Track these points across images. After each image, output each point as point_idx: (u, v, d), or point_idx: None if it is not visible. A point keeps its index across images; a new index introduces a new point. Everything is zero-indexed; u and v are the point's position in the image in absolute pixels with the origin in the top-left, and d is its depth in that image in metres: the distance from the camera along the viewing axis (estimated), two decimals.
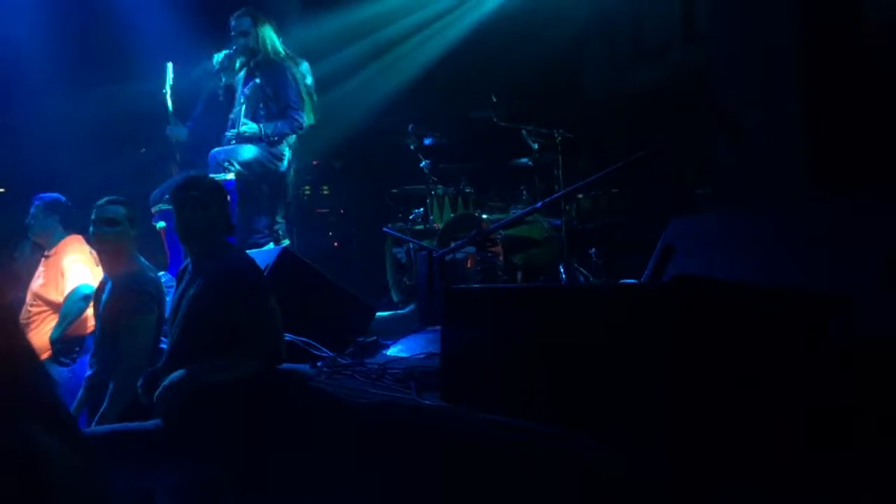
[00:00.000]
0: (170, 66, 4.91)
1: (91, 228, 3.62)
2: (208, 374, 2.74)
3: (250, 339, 2.79)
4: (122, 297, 3.44)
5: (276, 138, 4.88)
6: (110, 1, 6.31)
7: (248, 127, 4.86)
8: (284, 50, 5.07)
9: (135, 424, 2.86)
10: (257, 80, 4.95)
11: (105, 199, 3.60)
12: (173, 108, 4.92)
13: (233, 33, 4.96)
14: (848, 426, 1.65)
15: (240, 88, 5.04)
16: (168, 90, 4.90)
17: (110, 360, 3.37)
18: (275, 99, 4.93)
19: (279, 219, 5.17)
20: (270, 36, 4.98)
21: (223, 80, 5.12)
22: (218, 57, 5.05)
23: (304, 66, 5.24)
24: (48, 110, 6.11)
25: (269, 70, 4.96)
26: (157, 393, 2.73)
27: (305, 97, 5.00)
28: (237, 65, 5.05)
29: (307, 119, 5.06)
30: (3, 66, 5.92)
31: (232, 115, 5.03)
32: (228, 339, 2.78)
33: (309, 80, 5.21)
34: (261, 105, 4.94)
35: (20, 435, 0.99)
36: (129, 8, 6.29)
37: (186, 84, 5.11)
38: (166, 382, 2.71)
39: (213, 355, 2.78)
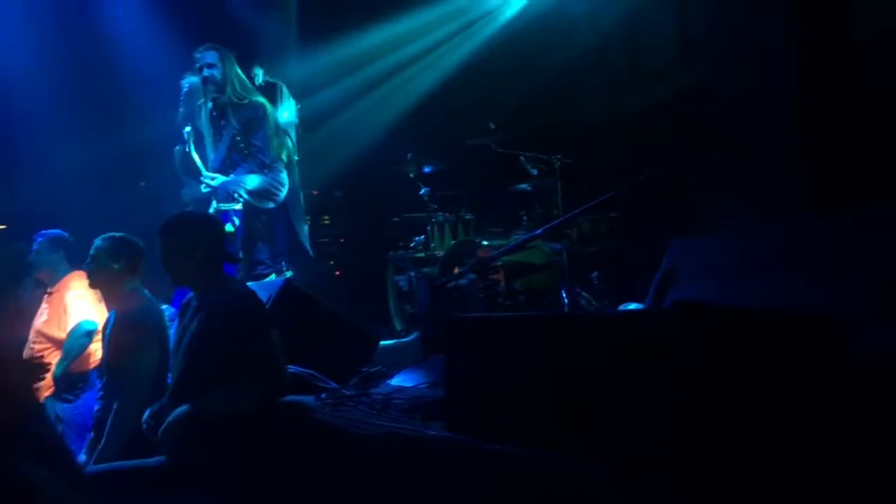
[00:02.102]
0: (188, 129, 4.88)
1: (83, 266, 3.68)
2: (212, 409, 2.73)
3: (253, 372, 2.79)
4: (122, 332, 3.45)
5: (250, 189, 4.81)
6: (110, 40, 6.40)
7: (216, 181, 4.79)
8: (250, 85, 5.01)
9: (139, 461, 2.84)
10: (224, 122, 4.92)
11: (101, 237, 3.63)
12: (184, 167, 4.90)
13: (197, 65, 4.86)
14: (850, 446, 1.64)
15: (206, 123, 4.99)
16: (192, 150, 4.87)
17: (115, 395, 3.37)
18: (243, 140, 4.87)
19: (280, 252, 5.18)
20: (236, 71, 4.91)
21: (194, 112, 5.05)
22: (185, 86, 5.03)
23: (286, 104, 5.28)
24: (48, 147, 6.15)
25: (237, 110, 4.89)
26: (161, 430, 2.72)
27: (272, 137, 4.90)
28: (201, 97, 4.96)
29: (280, 155, 5.03)
30: (4, 107, 5.98)
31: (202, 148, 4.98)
32: (231, 373, 2.78)
33: (287, 117, 5.21)
34: (232, 148, 4.91)
35: (12, 469, 0.99)
36: (131, 47, 6.36)
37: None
38: (171, 419, 2.70)
39: (217, 390, 2.77)
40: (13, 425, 1.03)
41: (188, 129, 4.83)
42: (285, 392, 2.90)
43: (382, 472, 2.34)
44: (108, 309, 3.66)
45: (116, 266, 3.55)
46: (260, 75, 5.44)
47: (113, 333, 3.50)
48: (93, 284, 3.69)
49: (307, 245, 5.48)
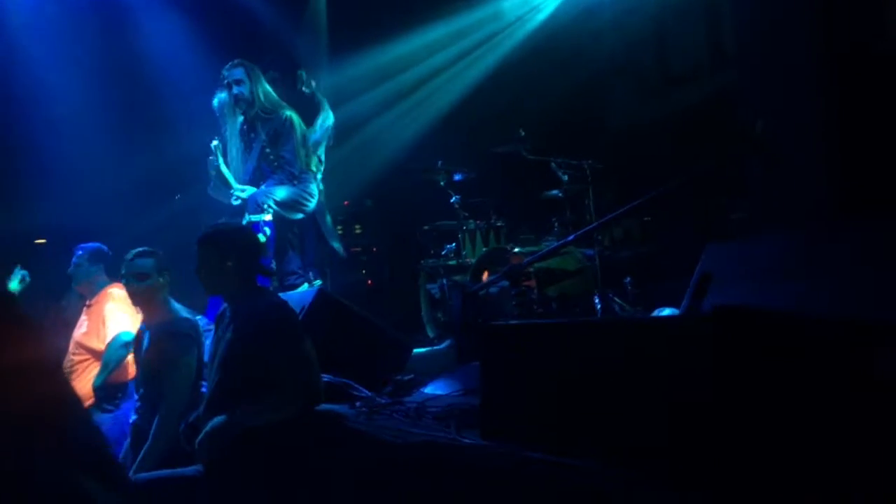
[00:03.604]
0: (216, 143, 4.97)
1: (123, 281, 3.75)
2: (248, 420, 2.75)
3: (287, 382, 2.80)
4: (162, 342, 3.52)
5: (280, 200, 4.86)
6: (148, 56, 6.53)
7: (246, 193, 4.86)
8: (278, 99, 5.06)
9: (177, 471, 2.87)
10: (253, 135, 4.99)
11: (133, 252, 3.71)
12: (216, 173, 4.97)
13: (225, 82, 4.96)
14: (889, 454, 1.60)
15: (237, 136, 5.06)
16: (220, 161, 4.95)
17: (154, 405, 3.42)
18: (272, 152, 4.93)
19: (309, 262, 5.21)
20: (263, 86, 4.98)
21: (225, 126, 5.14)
22: (216, 104, 5.12)
23: (325, 116, 5.35)
24: (86, 162, 6.28)
25: (266, 123, 4.96)
26: (198, 440, 2.74)
27: (300, 149, 4.95)
28: (233, 111, 5.03)
29: (310, 166, 5.06)
30: (44, 123, 6.12)
31: (231, 162, 5.04)
32: (266, 383, 2.80)
33: (318, 128, 5.27)
34: (262, 160, 4.98)
35: (64, 479, 1.01)
36: (168, 63, 6.49)
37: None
38: (207, 429, 2.72)
39: (252, 400, 2.79)
40: (63, 433, 1.05)
41: (216, 142, 4.92)
42: (320, 401, 2.91)
43: (418, 481, 2.34)
44: (148, 321, 3.73)
45: (161, 280, 3.65)
46: (303, 75, 5.51)
47: (153, 344, 3.56)
48: (140, 300, 3.76)
49: (337, 245, 5.49)
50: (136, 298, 3.76)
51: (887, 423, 1.64)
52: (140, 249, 3.75)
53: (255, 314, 2.93)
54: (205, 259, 3.02)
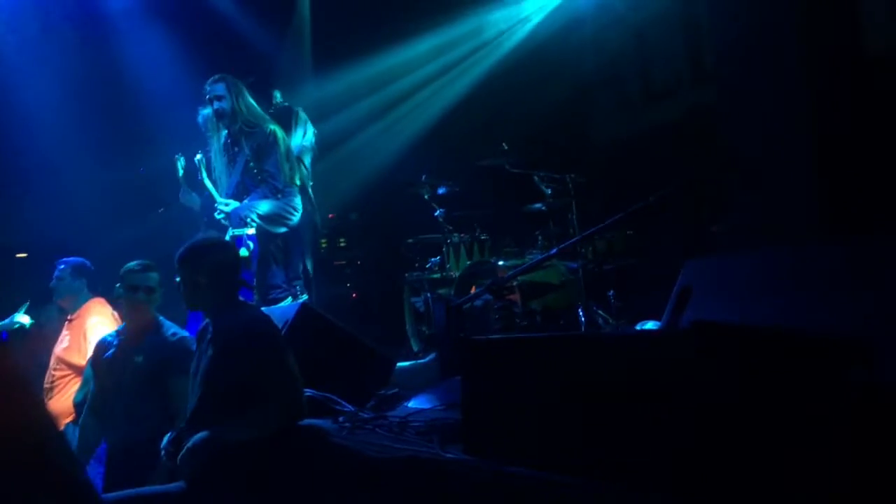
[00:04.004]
0: (179, 159, 4.98)
1: (124, 293, 3.71)
2: (230, 435, 2.74)
3: (270, 397, 2.79)
4: (169, 357, 3.58)
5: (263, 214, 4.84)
6: (129, 69, 6.52)
7: (230, 207, 4.84)
8: (262, 113, 5.06)
9: (158, 487, 2.85)
10: (237, 149, 4.98)
11: (136, 263, 3.70)
12: (185, 176, 4.98)
13: (207, 97, 4.95)
14: (869, 472, 1.62)
15: (220, 151, 5.06)
16: (181, 173, 4.96)
17: (145, 417, 3.42)
18: (256, 166, 4.92)
19: (296, 276, 5.20)
20: (246, 100, 4.97)
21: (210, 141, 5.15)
22: (200, 119, 5.13)
23: (303, 128, 5.36)
24: (67, 176, 6.25)
25: (249, 137, 4.95)
26: (179, 456, 2.73)
27: (283, 163, 4.93)
28: (216, 127, 5.03)
29: (294, 180, 5.04)
30: (23, 136, 6.09)
31: (216, 177, 5.04)
32: (248, 398, 2.79)
33: (305, 140, 5.27)
34: (246, 174, 4.97)
35: (32, 501, 1.00)
36: (149, 76, 6.48)
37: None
38: (189, 445, 2.71)
39: (235, 415, 2.78)
40: (34, 456, 1.04)
41: (199, 156, 4.92)
42: (303, 416, 2.90)
43: (401, 497, 2.34)
44: (136, 335, 3.75)
45: (159, 292, 3.68)
46: (277, 96, 5.51)
47: (153, 357, 3.59)
48: (140, 313, 3.77)
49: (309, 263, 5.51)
50: (138, 312, 3.75)
51: (861, 433, 1.67)
52: (144, 262, 3.76)
53: (237, 329, 2.92)
54: (181, 276, 3.04)
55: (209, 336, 3.03)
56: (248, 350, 2.84)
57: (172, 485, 2.82)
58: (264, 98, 5.35)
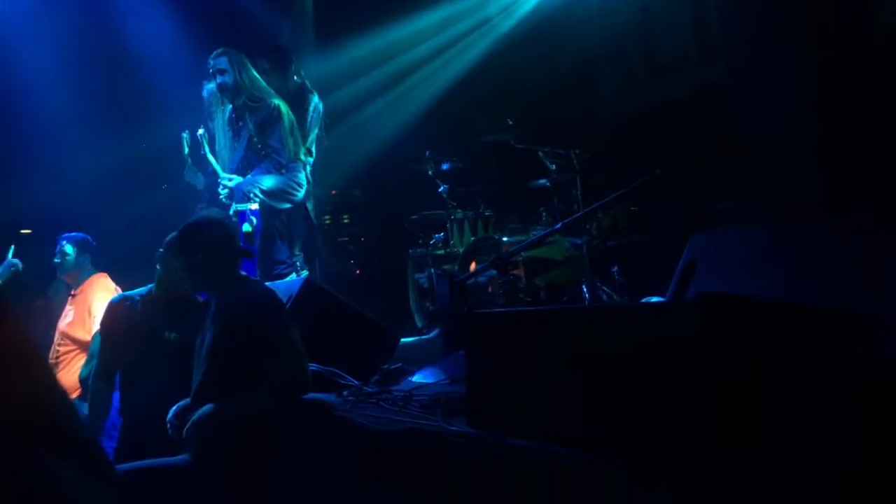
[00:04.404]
0: (185, 136, 4.93)
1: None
2: (235, 409, 2.76)
3: (274, 371, 2.81)
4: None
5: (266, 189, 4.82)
6: (132, 43, 6.47)
7: (233, 182, 4.83)
8: (266, 87, 5.02)
9: (164, 460, 2.87)
10: (241, 124, 4.96)
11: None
12: (190, 153, 4.95)
13: (211, 71, 4.93)
14: (872, 447, 1.62)
15: (224, 125, 5.04)
16: (187, 150, 4.93)
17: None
18: (260, 141, 4.90)
19: (297, 251, 5.19)
20: (249, 74, 4.93)
21: (214, 117, 5.13)
22: (205, 94, 5.10)
23: (313, 99, 5.33)
24: (70, 152, 6.24)
25: (254, 112, 4.93)
26: (185, 429, 2.74)
27: (287, 138, 4.89)
28: (220, 101, 5.02)
29: (299, 155, 5.02)
30: (28, 112, 6.07)
31: (220, 152, 5.02)
32: (253, 372, 2.80)
33: (301, 113, 5.23)
34: (249, 149, 4.95)
35: (44, 469, 1.00)
36: (152, 50, 6.43)
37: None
38: (194, 418, 2.72)
39: (239, 390, 2.79)
40: (45, 422, 1.04)
41: (201, 131, 4.89)
42: (308, 390, 2.92)
43: (404, 469, 2.35)
44: (171, 310, 3.67)
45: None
46: (301, 73, 5.50)
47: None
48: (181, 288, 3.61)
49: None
50: (176, 285, 3.50)
51: (865, 408, 1.66)
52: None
53: (240, 304, 2.93)
54: (181, 259, 3.06)
55: (212, 311, 3.04)
56: (252, 326, 2.85)
57: (178, 457, 2.84)
58: (275, 73, 5.33)
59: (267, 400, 2.78)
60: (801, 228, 2.62)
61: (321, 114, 5.52)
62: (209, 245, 3.01)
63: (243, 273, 3.24)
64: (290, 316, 3.03)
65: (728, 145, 3.79)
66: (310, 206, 5.39)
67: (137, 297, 3.64)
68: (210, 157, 4.89)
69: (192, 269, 3.03)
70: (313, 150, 5.40)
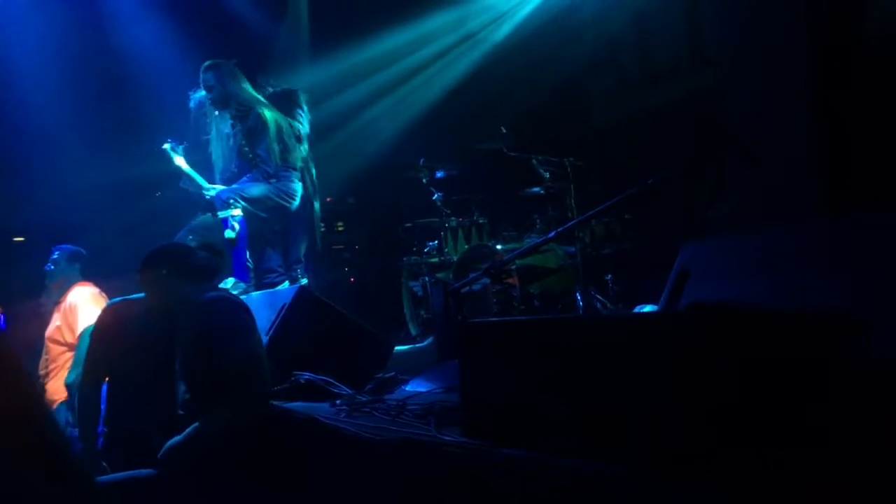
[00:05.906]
0: (167, 146, 4.93)
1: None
2: (206, 430, 2.73)
3: (243, 383, 2.78)
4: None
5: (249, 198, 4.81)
6: (125, 52, 6.47)
7: (213, 191, 4.82)
8: (254, 95, 5.02)
9: (132, 473, 2.83)
10: (228, 132, 4.98)
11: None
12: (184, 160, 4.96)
13: (202, 85, 4.96)
14: (867, 450, 1.62)
15: (217, 136, 5.06)
16: (182, 160, 4.93)
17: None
18: (250, 150, 4.91)
19: (300, 258, 5.18)
20: (236, 85, 4.94)
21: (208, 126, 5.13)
22: (192, 104, 5.12)
23: (301, 109, 5.32)
24: (64, 161, 6.22)
25: (243, 121, 4.94)
26: (160, 454, 2.73)
27: (273, 145, 4.87)
28: (209, 112, 5.05)
29: (290, 163, 4.99)
30: (21, 121, 6.05)
31: (216, 161, 5.05)
32: (220, 389, 2.78)
33: (295, 125, 5.22)
34: (240, 157, 4.95)
35: (22, 481, 0.99)
36: (145, 57, 6.43)
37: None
38: (169, 444, 2.72)
39: (211, 405, 2.78)
40: (22, 436, 1.03)
41: (167, 145, 4.93)
42: (266, 406, 2.89)
43: (398, 479, 2.33)
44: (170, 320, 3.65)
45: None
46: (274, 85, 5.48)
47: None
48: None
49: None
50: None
51: (859, 409, 1.66)
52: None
53: (201, 319, 2.91)
54: (148, 280, 3.09)
55: (183, 324, 3.02)
56: (212, 339, 2.83)
57: (145, 470, 2.80)
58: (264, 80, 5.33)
59: (239, 414, 2.76)
60: (793, 232, 2.62)
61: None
62: (171, 256, 3.10)
63: (213, 283, 3.24)
64: (249, 325, 2.99)
65: (724, 145, 3.80)
66: (317, 205, 5.39)
67: (131, 303, 3.51)
68: (187, 168, 4.89)
69: (160, 283, 3.06)
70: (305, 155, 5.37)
